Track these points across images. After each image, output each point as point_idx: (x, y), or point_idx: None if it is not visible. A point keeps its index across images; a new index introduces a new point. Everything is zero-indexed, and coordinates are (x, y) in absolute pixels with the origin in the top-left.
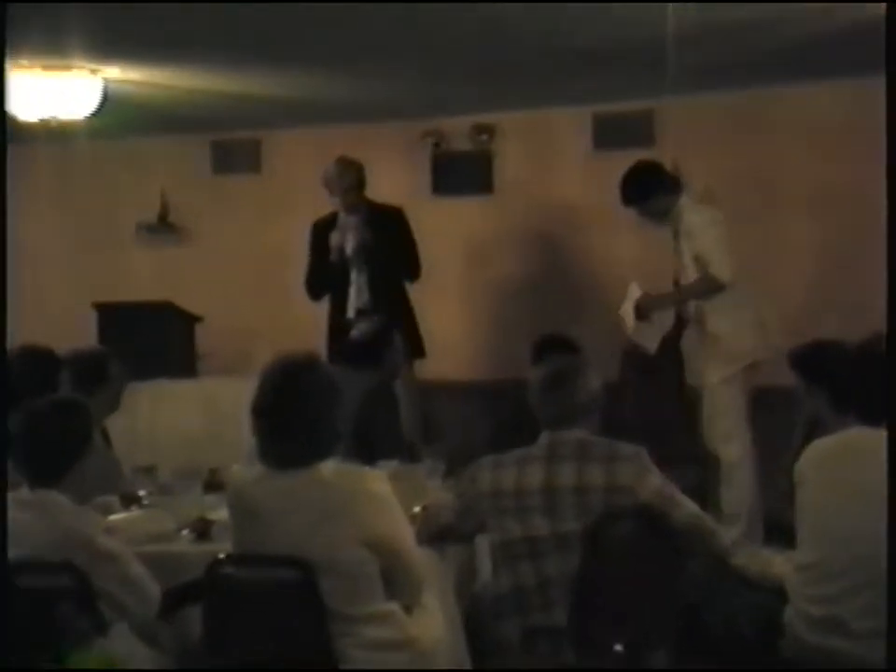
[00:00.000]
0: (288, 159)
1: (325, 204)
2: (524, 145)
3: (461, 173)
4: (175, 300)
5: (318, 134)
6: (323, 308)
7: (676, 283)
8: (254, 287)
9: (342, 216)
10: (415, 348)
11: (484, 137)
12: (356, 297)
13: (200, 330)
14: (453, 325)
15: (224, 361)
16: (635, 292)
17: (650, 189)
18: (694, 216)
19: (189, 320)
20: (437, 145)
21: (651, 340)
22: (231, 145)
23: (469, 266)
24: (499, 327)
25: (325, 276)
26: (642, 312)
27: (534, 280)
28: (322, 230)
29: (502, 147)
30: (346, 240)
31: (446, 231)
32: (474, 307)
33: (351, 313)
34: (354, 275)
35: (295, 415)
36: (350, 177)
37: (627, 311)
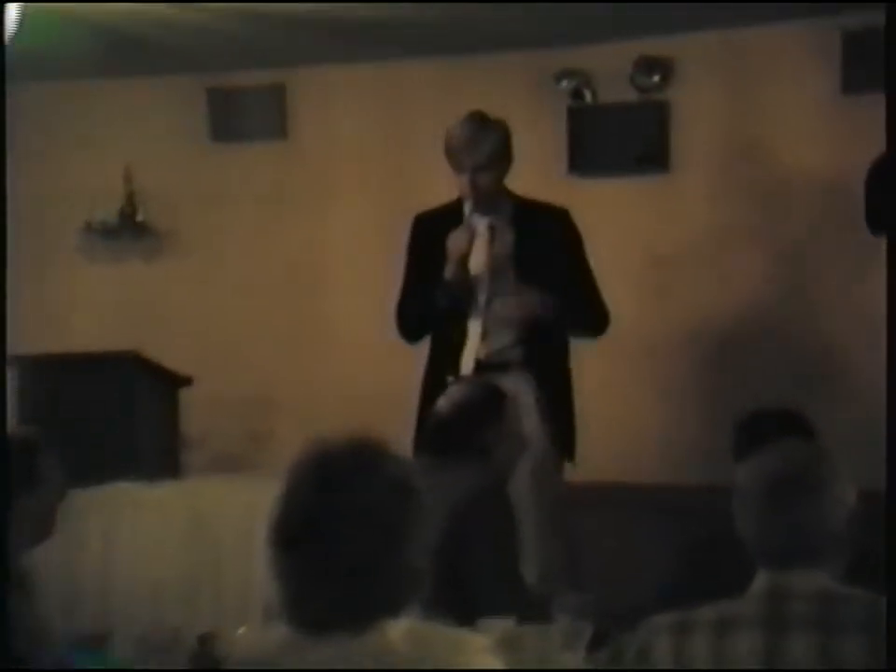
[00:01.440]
0: (333, 115)
1: (396, 191)
2: (720, 89)
3: (618, 138)
4: (145, 348)
5: (382, 76)
6: (407, 359)
7: None
8: (278, 327)
9: (469, 209)
10: (564, 440)
11: (655, 79)
12: (478, 346)
13: (187, 400)
14: (606, 395)
15: (225, 451)
16: None
17: None
18: None
19: (169, 383)
20: (577, 92)
21: None
22: (240, 93)
23: (634, 298)
24: (682, 399)
25: (433, 303)
26: None
27: (739, 324)
28: (432, 227)
29: (685, 95)
30: (476, 248)
31: (596, 238)
32: (641, 367)
33: (466, 367)
34: (479, 313)
35: (344, 543)
36: (494, 146)
37: None
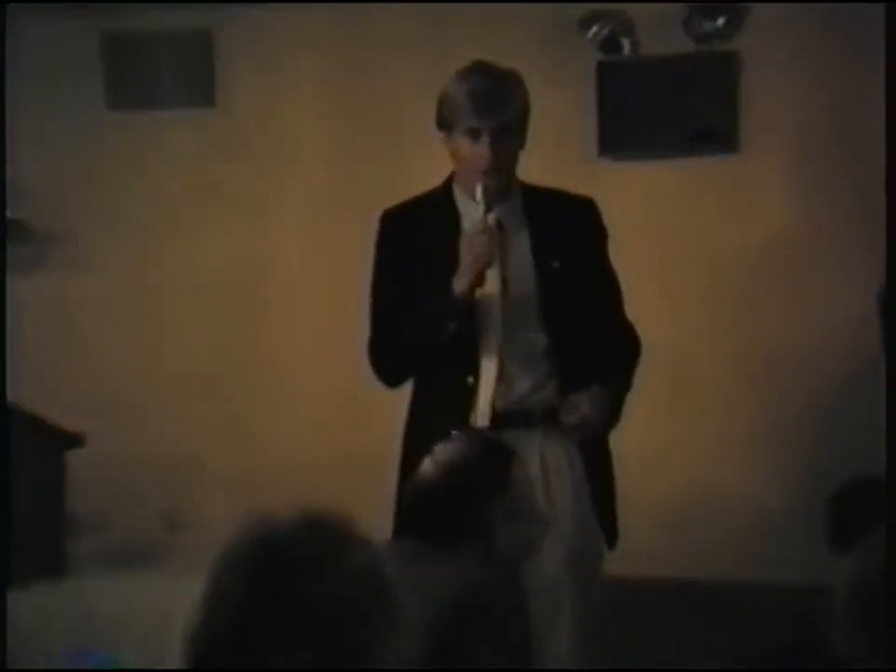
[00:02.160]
0: (277, 73)
1: (368, 178)
2: (808, 38)
3: (668, 106)
4: (21, 397)
5: (345, 22)
6: (382, 408)
7: None
8: (204, 365)
9: (464, 202)
10: (603, 518)
11: (719, 23)
12: (494, 389)
13: (77, 466)
14: (650, 456)
15: (128, 537)
16: None
17: None
18: None
19: (54, 443)
20: (611, 43)
21: None
22: (148, 42)
23: (687, 322)
24: (751, 464)
25: (431, 330)
26: None
27: (832, 358)
28: (411, 227)
29: (759, 45)
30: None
31: (637, 243)
32: (696, 417)
33: (480, 417)
34: (492, 341)
35: (291, 660)
36: (520, 102)
37: None
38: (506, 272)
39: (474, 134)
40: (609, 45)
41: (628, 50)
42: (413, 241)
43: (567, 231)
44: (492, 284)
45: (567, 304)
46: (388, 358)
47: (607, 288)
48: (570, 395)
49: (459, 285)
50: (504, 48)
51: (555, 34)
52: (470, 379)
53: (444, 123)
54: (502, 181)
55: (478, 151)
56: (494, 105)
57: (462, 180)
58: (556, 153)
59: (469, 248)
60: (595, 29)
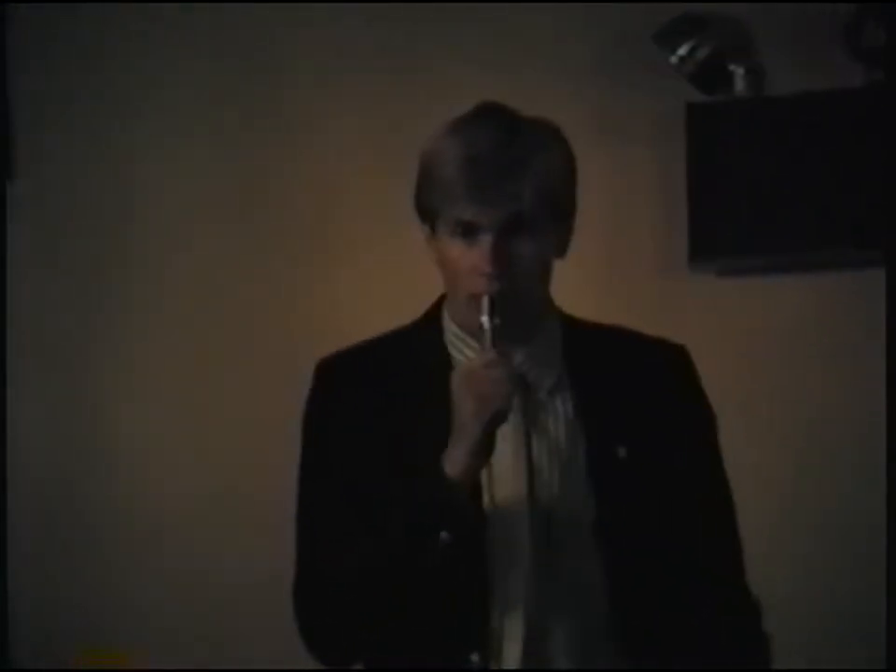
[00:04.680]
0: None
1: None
2: None
3: (808, 187)
4: None
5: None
6: None
7: None
8: None
9: (461, 342)
10: None
11: None
12: None
13: None
14: None
15: None
16: None
17: None
18: None
19: None
20: (712, 69)
21: None
22: None
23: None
24: None
25: (386, 568)
26: None
27: None
28: (372, 390)
29: None
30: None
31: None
32: None
33: None
34: (514, 586)
35: None
36: (553, 173)
37: None
38: (535, 459)
39: (468, 232)
40: (709, 75)
41: (743, 86)
42: (379, 409)
43: (640, 398)
44: (510, 484)
45: (640, 526)
46: (332, 615)
47: (711, 505)
48: None
49: (454, 461)
50: (534, 86)
51: (614, 57)
52: (475, 658)
53: (425, 212)
54: (523, 308)
55: (473, 259)
56: (502, 182)
57: (454, 304)
58: (618, 263)
59: (469, 389)
60: (683, 49)
